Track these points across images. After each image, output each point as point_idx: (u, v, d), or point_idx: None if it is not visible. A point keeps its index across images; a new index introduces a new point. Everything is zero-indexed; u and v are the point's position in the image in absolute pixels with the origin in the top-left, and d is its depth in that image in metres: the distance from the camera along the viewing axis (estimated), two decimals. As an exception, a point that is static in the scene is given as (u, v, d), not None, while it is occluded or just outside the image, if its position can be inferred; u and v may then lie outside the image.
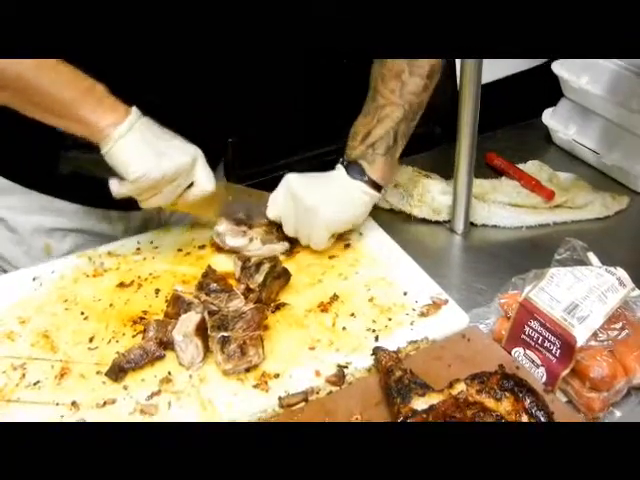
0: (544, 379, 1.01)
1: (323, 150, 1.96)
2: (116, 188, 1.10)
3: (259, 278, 1.14)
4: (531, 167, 1.50)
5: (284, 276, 1.17)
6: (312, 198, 1.20)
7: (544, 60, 1.68)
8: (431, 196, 1.39)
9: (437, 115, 1.97)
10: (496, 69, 1.70)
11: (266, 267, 1.15)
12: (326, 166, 1.31)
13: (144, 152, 1.08)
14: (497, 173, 1.51)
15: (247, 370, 1.03)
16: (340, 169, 1.24)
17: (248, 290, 1.13)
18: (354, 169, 1.22)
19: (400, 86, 1.22)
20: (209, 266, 1.18)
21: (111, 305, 1.16)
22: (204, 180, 1.14)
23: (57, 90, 1.05)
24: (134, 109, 1.08)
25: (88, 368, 1.05)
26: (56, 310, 1.16)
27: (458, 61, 1.58)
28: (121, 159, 1.07)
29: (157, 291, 1.18)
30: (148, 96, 1.09)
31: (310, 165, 1.69)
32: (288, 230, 1.25)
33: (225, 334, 1.04)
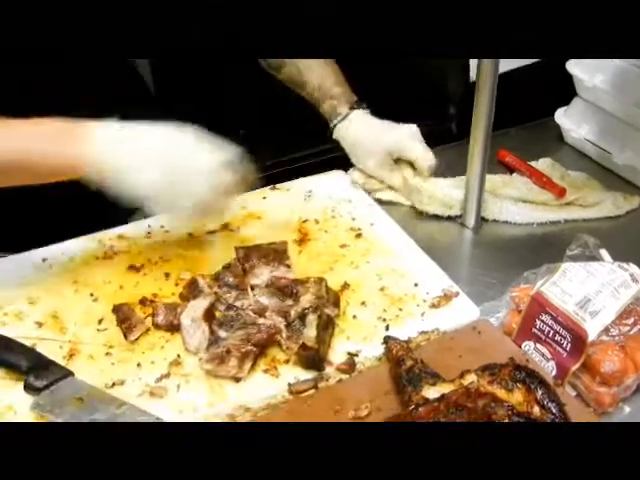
0: (554, 373, 1.01)
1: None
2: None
3: (310, 333, 1.01)
4: (543, 165, 1.50)
5: (331, 324, 1.06)
6: None
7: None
8: (442, 192, 1.39)
9: (450, 112, 1.98)
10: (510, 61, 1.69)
11: (312, 318, 1.02)
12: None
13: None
14: (508, 170, 1.51)
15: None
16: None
17: (304, 349, 1.00)
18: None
19: None
20: (236, 258, 1.16)
21: (121, 287, 1.16)
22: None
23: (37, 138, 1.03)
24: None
25: (97, 349, 1.05)
26: (65, 291, 1.15)
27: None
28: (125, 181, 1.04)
29: (167, 275, 1.18)
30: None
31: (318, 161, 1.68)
32: None
33: (222, 334, 1.03)
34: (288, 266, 1.16)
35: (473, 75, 1.30)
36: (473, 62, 1.35)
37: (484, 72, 1.20)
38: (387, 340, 1.02)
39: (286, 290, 1.10)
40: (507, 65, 1.39)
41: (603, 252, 1.13)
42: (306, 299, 1.06)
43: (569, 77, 1.55)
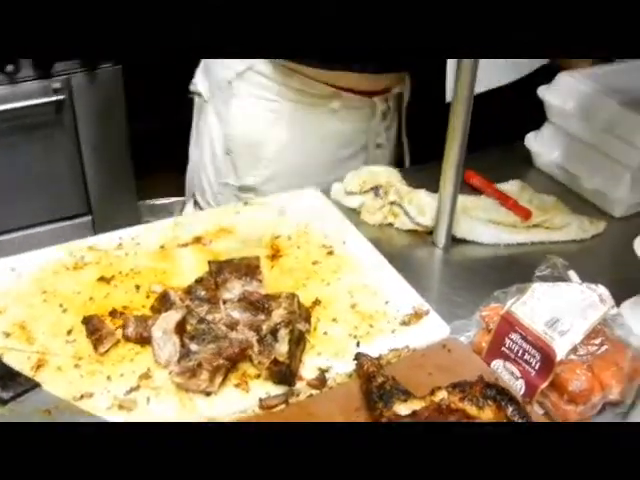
0: (523, 391, 1.02)
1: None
2: None
3: (282, 348, 1.01)
4: (512, 187, 1.52)
5: (303, 339, 1.06)
6: None
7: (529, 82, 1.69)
8: (418, 197, 1.41)
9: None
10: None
11: (284, 333, 1.02)
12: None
13: None
14: (477, 192, 1.53)
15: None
16: None
17: (275, 364, 1.00)
18: None
19: None
20: (209, 272, 1.16)
21: (91, 299, 1.15)
22: None
23: None
24: None
25: (65, 361, 1.04)
26: (34, 301, 1.14)
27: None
28: None
29: (137, 287, 1.17)
30: None
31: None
32: None
33: (193, 348, 1.02)
34: (260, 281, 1.16)
35: (449, 96, 1.31)
36: (449, 83, 1.36)
37: (460, 95, 1.22)
38: (358, 356, 1.03)
39: (258, 305, 1.09)
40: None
41: (571, 273, 1.15)
42: (278, 314, 1.06)
43: (540, 102, 1.58)
